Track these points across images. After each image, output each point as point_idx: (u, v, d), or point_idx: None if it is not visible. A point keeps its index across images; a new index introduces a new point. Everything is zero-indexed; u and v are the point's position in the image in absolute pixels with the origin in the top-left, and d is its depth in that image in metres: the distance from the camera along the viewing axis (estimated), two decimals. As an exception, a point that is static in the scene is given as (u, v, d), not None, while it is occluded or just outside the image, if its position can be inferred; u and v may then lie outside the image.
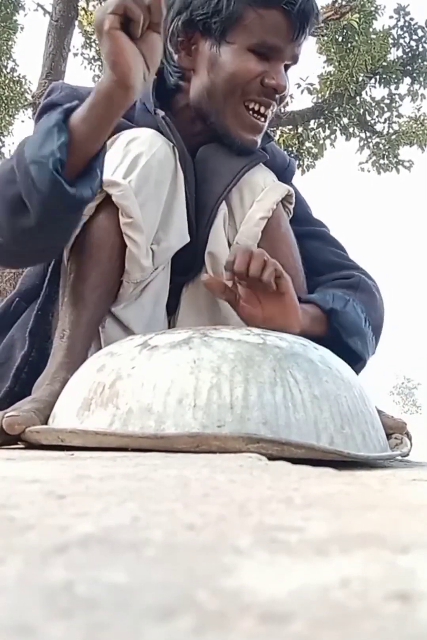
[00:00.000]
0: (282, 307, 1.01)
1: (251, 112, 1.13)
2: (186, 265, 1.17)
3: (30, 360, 1.08)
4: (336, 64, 7.23)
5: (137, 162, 1.06)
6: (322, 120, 7.53)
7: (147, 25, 0.87)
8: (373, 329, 1.19)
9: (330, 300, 1.13)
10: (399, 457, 0.96)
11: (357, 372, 1.18)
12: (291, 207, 1.23)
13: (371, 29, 7.23)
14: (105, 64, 0.88)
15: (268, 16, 1.09)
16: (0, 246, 0.99)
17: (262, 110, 1.14)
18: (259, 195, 1.17)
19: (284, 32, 1.10)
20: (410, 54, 7.46)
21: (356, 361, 1.14)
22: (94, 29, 0.89)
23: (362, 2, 7.00)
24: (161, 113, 1.15)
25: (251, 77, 1.11)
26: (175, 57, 1.17)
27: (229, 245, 1.18)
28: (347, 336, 1.12)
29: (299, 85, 7.30)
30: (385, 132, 7.74)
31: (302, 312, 1.05)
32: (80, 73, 8.04)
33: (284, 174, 1.28)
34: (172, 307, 1.19)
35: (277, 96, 1.13)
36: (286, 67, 1.15)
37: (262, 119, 1.15)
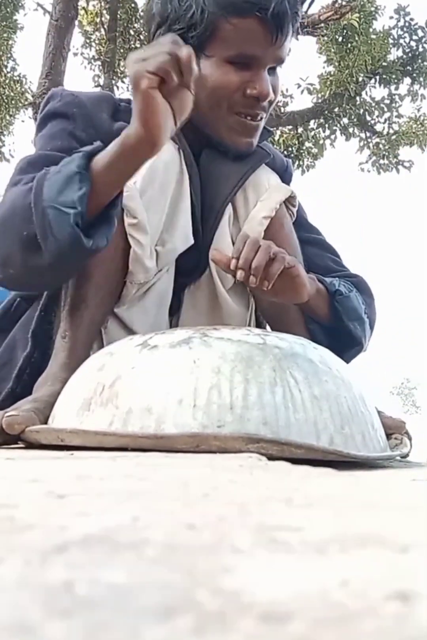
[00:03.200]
0: (291, 283, 1.04)
1: (241, 116, 1.13)
2: (190, 266, 1.17)
3: (32, 361, 1.08)
4: (336, 64, 7.23)
5: None
6: (322, 121, 7.53)
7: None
8: (370, 325, 1.22)
9: (336, 285, 1.16)
10: (399, 458, 0.96)
11: (354, 356, 1.21)
12: (294, 209, 1.23)
13: (371, 29, 7.23)
14: (135, 117, 0.88)
15: (243, 25, 1.06)
16: (11, 276, 1.01)
17: (250, 118, 1.13)
18: (262, 195, 1.17)
19: (261, 40, 1.08)
20: (410, 54, 7.46)
21: (355, 345, 1.18)
22: (129, 77, 0.88)
23: (362, 3, 7.00)
24: None
25: (232, 89, 1.10)
26: None
27: (233, 244, 1.18)
28: (348, 319, 1.15)
29: (299, 86, 7.31)
30: (385, 132, 7.75)
31: (309, 282, 1.08)
32: (80, 72, 8.03)
33: (283, 176, 1.28)
34: (174, 308, 1.19)
35: (263, 103, 1.12)
36: (272, 69, 1.14)
37: (254, 122, 1.14)
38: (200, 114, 1.13)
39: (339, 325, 1.15)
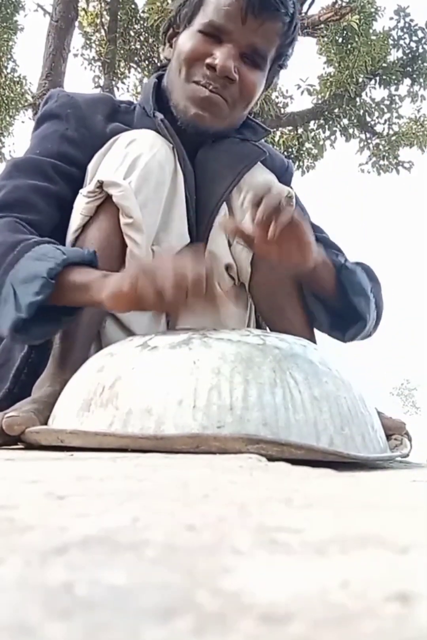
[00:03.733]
0: (298, 243, 1.00)
1: (197, 85, 1.12)
2: None
3: (30, 362, 1.08)
4: (336, 65, 7.23)
5: (137, 163, 1.06)
6: (322, 121, 7.53)
7: None
8: (376, 306, 1.18)
9: (342, 260, 1.14)
10: (399, 458, 0.96)
11: (357, 333, 1.17)
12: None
13: (371, 30, 7.23)
14: (118, 282, 0.88)
15: None
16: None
17: (204, 87, 1.12)
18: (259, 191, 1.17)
19: (233, 14, 1.10)
20: (410, 55, 7.46)
21: (358, 320, 1.14)
22: (142, 290, 0.87)
23: (362, 4, 7.01)
24: (160, 116, 1.15)
25: (195, 57, 1.11)
26: (161, 50, 1.21)
27: (229, 245, 1.18)
28: (352, 294, 1.12)
29: (299, 86, 7.31)
30: (385, 133, 7.75)
31: (316, 250, 1.04)
32: (80, 73, 8.04)
33: (284, 177, 1.28)
34: None
35: (221, 78, 1.10)
36: (252, 62, 1.13)
37: (207, 91, 1.12)
38: (169, 81, 1.17)
39: (343, 300, 1.12)
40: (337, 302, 1.13)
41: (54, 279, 0.89)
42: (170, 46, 1.19)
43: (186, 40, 1.13)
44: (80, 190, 1.08)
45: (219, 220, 1.12)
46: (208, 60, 1.10)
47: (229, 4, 1.10)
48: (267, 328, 1.23)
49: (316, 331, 1.22)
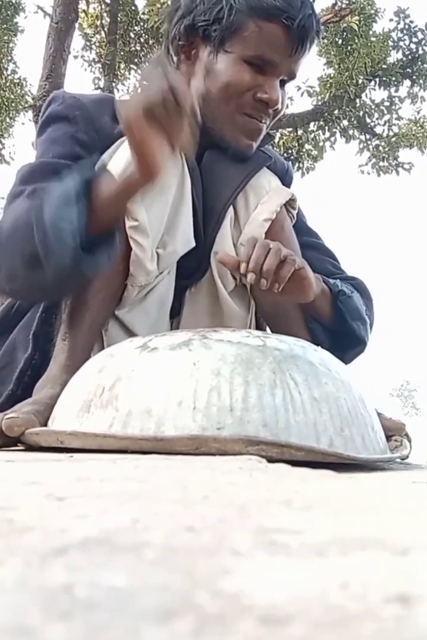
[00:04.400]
0: (298, 284, 1.04)
1: (247, 117, 1.14)
2: (191, 269, 1.17)
3: (33, 363, 1.08)
4: (336, 66, 7.23)
5: None
6: (322, 123, 7.54)
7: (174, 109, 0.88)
8: (370, 325, 1.23)
9: (338, 285, 1.17)
10: (399, 460, 0.96)
11: (356, 355, 1.22)
12: (294, 212, 1.23)
13: (370, 32, 7.24)
14: (133, 158, 0.91)
15: (267, 29, 1.09)
16: (15, 290, 1.05)
17: (256, 121, 1.14)
18: (263, 198, 1.18)
19: (282, 47, 1.10)
20: (410, 57, 7.47)
21: (358, 345, 1.20)
22: (122, 122, 0.91)
23: (362, 5, 7.01)
24: None
25: (244, 89, 1.11)
26: (175, 59, 1.17)
27: (235, 246, 1.18)
28: (351, 319, 1.16)
29: (299, 88, 7.31)
30: (385, 134, 7.75)
31: (315, 282, 1.08)
32: (81, 75, 8.04)
33: (284, 179, 1.28)
34: (175, 310, 1.19)
35: (270, 110, 1.14)
36: (283, 82, 1.16)
37: (259, 125, 1.15)
38: (207, 106, 1.14)
39: (342, 325, 1.15)
40: (336, 326, 1.17)
41: (85, 195, 0.91)
42: (188, 59, 1.16)
43: (229, 68, 1.11)
44: None
45: (220, 252, 1.13)
46: (259, 95, 1.11)
47: (278, 37, 1.09)
48: (268, 329, 1.23)
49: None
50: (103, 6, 7.61)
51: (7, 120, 7.13)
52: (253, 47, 1.10)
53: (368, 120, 7.74)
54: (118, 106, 0.91)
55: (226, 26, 1.10)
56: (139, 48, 7.57)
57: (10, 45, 7.28)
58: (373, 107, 7.68)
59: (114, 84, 7.31)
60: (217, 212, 1.16)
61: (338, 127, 7.55)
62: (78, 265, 0.92)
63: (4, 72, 7.13)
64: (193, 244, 1.14)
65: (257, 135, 1.16)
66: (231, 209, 1.18)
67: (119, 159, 1.06)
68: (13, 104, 7.01)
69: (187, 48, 1.16)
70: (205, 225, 1.17)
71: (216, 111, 1.14)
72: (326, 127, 7.57)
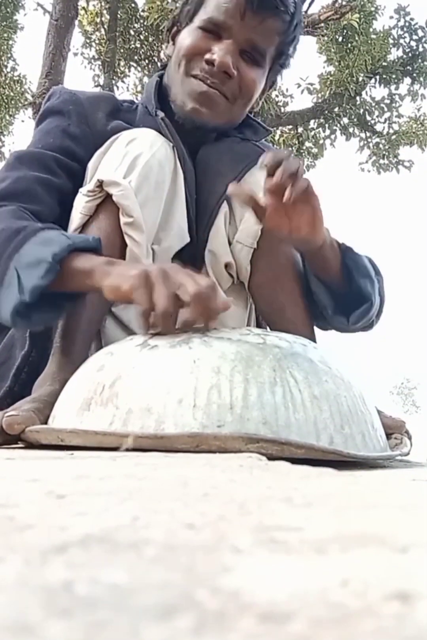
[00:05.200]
0: (309, 215, 1.00)
1: (196, 79, 1.13)
2: (186, 264, 1.17)
3: (30, 360, 1.08)
4: (336, 64, 7.23)
5: (137, 162, 1.06)
6: (322, 120, 7.53)
7: None
8: (380, 297, 1.17)
9: (346, 244, 1.13)
10: (399, 457, 0.96)
11: (362, 315, 1.14)
12: None
13: (371, 29, 7.24)
14: (116, 280, 0.87)
15: None
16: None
17: (202, 83, 1.12)
18: (259, 193, 1.17)
19: (231, 9, 1.11)
20: (410, 54, 7.46)
21: (364, 302, 1.13)
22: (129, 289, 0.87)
23: (362, 2, 7.00)
24: (161, 114, 1.15)
25: (195, 52, 1.13)
26: (164, 47, 1.22)
27: (230, 243, 1.18)
28: (358, 276, 1.11)
29: (299, 85, 7.31)
30: (385, 132, 7.75)
31: (325, 227, 1.04)
32: (80, 72, 8.04)
33: None
34: None
35: (220, 73, 1.11)
36: (251, 58, 1.14)
37: (205, 86, 1.13)
38: (168, 77, 1.17)
39: (348, 283, 1.11)
40: (341, 283, 1.12)
41: (59, 263, 0.88)
42: (173, 44, 1.20)
43: (186, 36, 1.15)
44: (80, 189, 1.08)
45: (228, 198, 1.09)
46: (207, 56, 1.12)
47: (228, 0, 1.11)
48: (268, 327, 1.23)
49: (316, 330, 1.22)
50: (103, 3, 7.60)
51: (7, 117, 7.12)
52: (207, 14, 1.13)
53: (368, 118, 7.74)
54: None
55: (193, 3, 1.15)
56: (138, 45, 7.56)
57: (10, 42, 7.27)
58: (373, 104, 7.68)
59: (113, 81, 7.30)
60: (211, 207, 1.16)
61: (338, 125, 7.55)
62: (18, 321, 0.92)
63: (4, 70, 7.13)
64: (188, 239, 1.14)
65: (207, 100, 1.13)
66: (225, 205, 1.17)
67: (109, 160, 1.06)
68: (13, 102, 7.01)
69: (174, 34, 1.21)
70: (199, 221, 1.16)
71: (171, 80, 1.16)
72: (326, 125, 7.57)
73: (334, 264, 1.11)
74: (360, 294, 1.12)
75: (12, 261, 0.92)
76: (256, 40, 1.13)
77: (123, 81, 7.75)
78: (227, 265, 1.19)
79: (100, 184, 1.03)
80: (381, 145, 7.75)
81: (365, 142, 7.81)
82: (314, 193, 0.98)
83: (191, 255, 1.16)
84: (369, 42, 7.10)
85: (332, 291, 1.14)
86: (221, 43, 1.12)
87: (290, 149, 7.36)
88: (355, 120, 7.54)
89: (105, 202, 1.04)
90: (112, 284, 0.87)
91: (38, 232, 0.95)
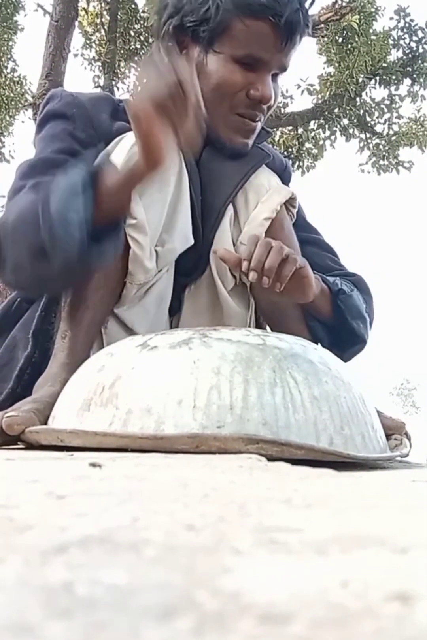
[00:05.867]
0: (298, 284, 1.04)
1: (241, 116, 1.14)
2: (190, 266, 1.17)
3: (33, 361, 1.08)
4: (336, 65, 7.23)
5: None
6: (322, 121, 7.53)
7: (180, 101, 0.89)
8: (369, 323, 1.23)
9: (338, 284, 1.17)
10: (399, 458, 0.96)
11: (356, 353, 1.23)
12: (294, 210, 1.23)
13: (371, 30, 7.23)
14: (138, 148, 0.91)
15: (255, 27, 1.08)
16: (20, 282, 1.05)
17: (249, 119, 1.15)
18: (263, 196, 1.18)
19: (270, 44, 1.09)
20: (410, 55, 7.46)
21: (358, 343, 1.20)
22: (129, 111, 0.91)
23: (362, 3, 7.00)
24: None
25: (236, 89, 1.11)
26: (162, 47, 1.18)
27: (234, 245, 1.18)
28: (351, 318, 1.16)
29: (299, 86, 7.31)
30: (385, 133, 7.74)
31: (315, 282, 1.09)
32: (80, 73, 8.03)
33: (283, 176, 1.28)
34: (174, 308, 1.19)
35: (264, 106, 1.14)
36: (275, 75, 1.16)
37: (253, 123, 1.15)
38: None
39: (342, 324, 1.16)
40: (336, 324, 1.17)
41: (91, 185, 0.91)
42: (182, 52, 1.15)
43: (220, 68, 1.12)
44: None
45: (220, 248, 1.12)
46: (252, 93, 1.11)
47: (267, 35, 1.09)
48: (268, 328, 1.23)
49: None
50: (103, 4, 7.60)
51: (7, 118, 7.12)
52: (242, 47, 1.10)
53: (368, 119, 7.74)
54: (126, 97, 0.92)
55: (214, 26, 1.10)
56: (139, 46, 7.56)
57: (10, 43, 7.27)
58: (373, 105, 7.67)
59: (114, 82, 7.31)
60: (216, 210, 1.16)
61: (338, 126, 7.55)
62: (85, 256, 0.92)
63: (4, 71, 7.13)
64: (192, 242, 1.14)
65: (252, 133, 1.16)
66: (230, 207, 1.17)
67: (118, 156, 1.06)
68: (13, 102, 7.00)
69: (178, 48, 1.15)
70: (204, 223, 1.16)
71: (209, 112, 1.13)
72: (326, 126, 7.56)
73: (326, 309, 1.16)
74: (353, 334, 1.18)
75: (50, 215, 0.92)
76: (285, 64, 1.15)
77: (123, 82, 7.74)
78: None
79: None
80: (380, 146, 7.74)
81: (365, 143, 7.81)
82: (301, 266, 1.02)
83: (196, 258, 1.16)
84: (369, 43, 7.10)
85: (327, 326, 1.18)
86: (259, 75, 1.11)
87: (288, 153, 7.37)
88: (355, 121, 7.54)
89: None
90: (143, 162, 0.91)
91: (53, 182, 0.96)
